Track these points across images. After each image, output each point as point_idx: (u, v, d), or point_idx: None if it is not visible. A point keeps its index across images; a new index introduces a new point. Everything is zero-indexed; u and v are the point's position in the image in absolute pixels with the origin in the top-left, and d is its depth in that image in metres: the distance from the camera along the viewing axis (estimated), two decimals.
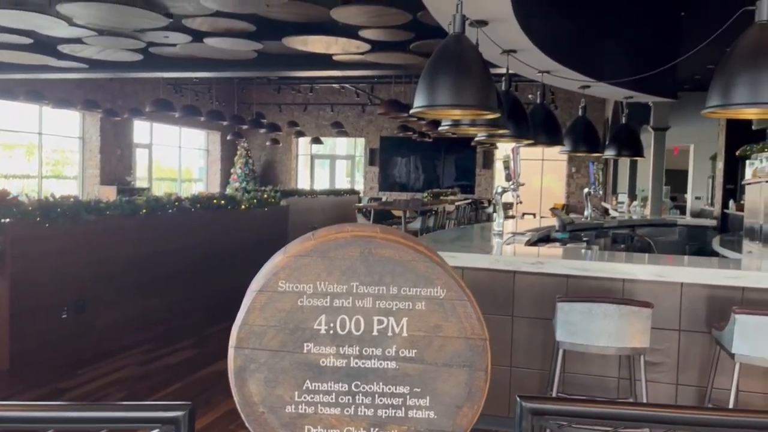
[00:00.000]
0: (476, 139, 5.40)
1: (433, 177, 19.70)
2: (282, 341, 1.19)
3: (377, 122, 19.36)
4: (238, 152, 19.21)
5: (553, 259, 3.29)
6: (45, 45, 8.23)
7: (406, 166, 19.81)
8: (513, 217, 16.52)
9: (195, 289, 5.87)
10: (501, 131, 4.67)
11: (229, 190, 18.88)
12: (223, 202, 6.31)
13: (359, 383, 1.20)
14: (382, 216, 9.76)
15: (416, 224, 9.38)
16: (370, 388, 1.19)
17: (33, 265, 4.13)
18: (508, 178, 4.72)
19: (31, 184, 14.51)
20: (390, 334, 1.18)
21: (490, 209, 17.02)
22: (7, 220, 3.95)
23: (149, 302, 5.27)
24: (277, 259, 1.33)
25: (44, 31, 7.43)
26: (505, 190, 4.72)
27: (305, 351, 1.20)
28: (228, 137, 17.09)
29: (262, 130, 15.20)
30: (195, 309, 5.80)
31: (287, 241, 5.38)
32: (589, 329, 2.75)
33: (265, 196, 7.30)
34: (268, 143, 18.27)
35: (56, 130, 14.25)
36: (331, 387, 1.20)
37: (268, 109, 18.99)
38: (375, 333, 1.18)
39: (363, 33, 7.22)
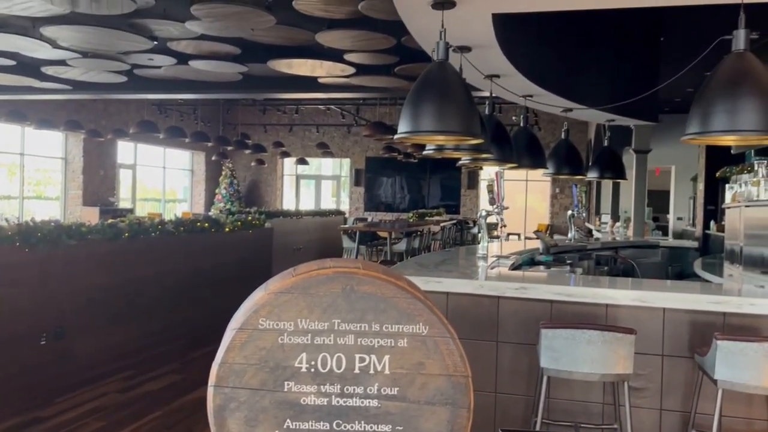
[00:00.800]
0: (460, 162, 5.44)
1: (418, 197, 19.77)
2: (262, 380, 1.18)
3: (363, 143, 19.44)
4: (223, 172, 19.16)
5: (536, 285, 3.30)
6: (28, 67, 8.19)
7: (391, 186, 19.89)
8: (497, 237, 16.60)
9: (178, 314, 5.80)
10: (485, 155, 4.71)
11: (213, 211, 18.78)
12: (207, 224, 6.27)
13: (341, 422, 1.18)
14: (368, 237, 9.74)
15: (402, 245, 9.37)
16: (352, 427, 1.18)
17: (11, 290, 4.06)
18: (492, 201, 4.75)
19: (13, 204, 14.33)
20: (372, 371, 1.17)
21: (475, 230, 17.09)
22: None
23: (131, 328, 5.19)
24: (257, 296, 1.32)
25: (28, 53, 7.40)
26: (489, 214, 4.74)
27: (286, 389, 1.19)
28: (213, 158, 17.05)
29: (248, 151, 15.19)
30: (178, 334, 5.73)
31: (271, 264, 5.38)
32: (573, 356, 2.75)
33: (250, 218, 7.26)
34: (253, 164, 18.24)
35: (39, 150, 14.13)
36: (312, 426, 1.19)
37: (253, 130, 19.00)
38: (357, 371, 1.17)
39: (348, 56, 7.28)
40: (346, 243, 9.62)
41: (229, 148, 14.46)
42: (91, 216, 14.01)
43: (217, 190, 19.30)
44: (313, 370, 1.20)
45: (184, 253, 5.98)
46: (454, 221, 14.87)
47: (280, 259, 8.47)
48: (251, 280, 7.33)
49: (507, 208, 4.79)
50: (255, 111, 18.21)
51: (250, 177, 20.25)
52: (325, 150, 16.84)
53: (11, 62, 7.90)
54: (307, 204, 21.06)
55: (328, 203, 21.37)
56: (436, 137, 3.68)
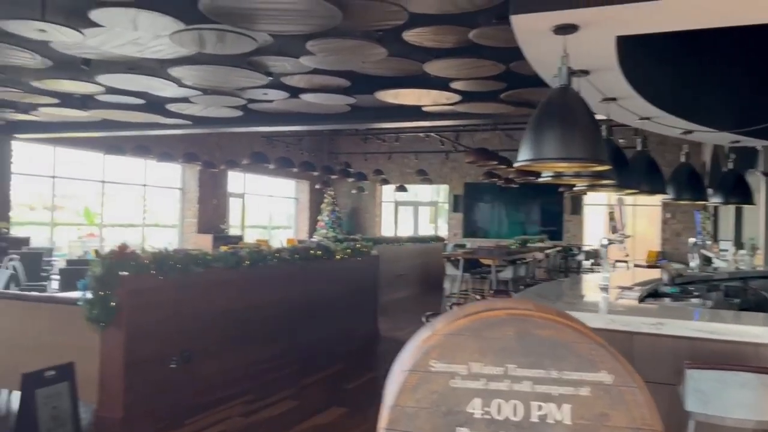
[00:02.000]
0: (576, 188, 5.25)
1: (516, 223, 19.36)
2: (435, 425, 1.15)
3: (461, 169, 19.36)
4: (325, 200, 19.68)
5: (674, 320, 3.09)
6: (155, 104, 8.82)
7: (489, 211, 19.61)
8: (614, 267, 15.85)
9: (291, 340, 5.95)
10: (605, 181, 4.52)
11: (316, 237, 19.32)
12: (319, 252, 6.42)
13: None
14: (472, 264, 9.62)
15: (507, 273, 9.16)
16: None
17: (146, 316, 4.32)
18: (613, 229, 4.54)
19: (135, 232, 15.42)
20: (551, 421, 1.11)
21: (581, 257, 16.44)
22: (125, 273, 4.17)
23: (249, 352, 5.37)
24: (424, 336, 1.29)
25: (155, 92, 7.99)
26: (611, 242, 4.52)
27: None
28: (316, 186, 17.56)
29: (351, 179, 15.53)
30: (292, 360, 5.86)
31: (378, 290, 5.39)
32: (724, 400, 2.53)
33: (358, 245, 7.37)
34: (353, 191, 18.63)
35: (158, 181, 15.16)
36: None
37: (354, 158, 19.44)
38: (535, 420, 1.12)
39: (454, 84, 7.29)
40: (450, 270, 9.54)
41: (334, 176, 14.84)
42: (205, 243, 14.80)
43: (319, 217, 19.84)
44: (487, 416, 1.15)
45: (299, 279, 6.14)
46: (559, 248, 14.37)
47: (385, 285, 8.53)
48: (359, 307, 7.38)
49: (629, 236, 4.57)
50: (356, 140, 18.64)
51: (351, 204, 20.67)
52: (423, 177, 16.92)
53: (141, 101, 8.54)
54: (405, 230, 21.17)
55: (425, 229, 21.38)
56: (559, 164, 3.58)
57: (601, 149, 3.41)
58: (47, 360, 3.99)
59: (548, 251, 11.78)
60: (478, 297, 9.89)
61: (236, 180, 16.96)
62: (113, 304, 4.05)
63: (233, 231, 16.85)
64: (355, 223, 20.68)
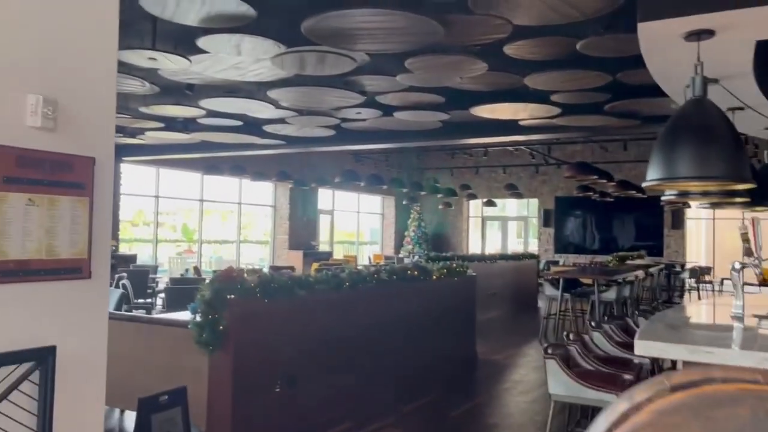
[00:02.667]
0: (698, 205, 4.84)
1: (609, 237, 18.48)
2: None
3: (552, 182, 18.75)
4: (412, 216, 19.60)
5: None
6: (252, 126, 9.04)
7: (580, 226, 18.82)
8: (710, 283, 14.79)
9: (390, 363, 5.82)
10: (738, 199, 4.12)
11: (403, 253, 19.25)
12: (416, 272, 6.28)
13: None
14: (570, 284, 9.17)
15: (610, 294, 8.65)
16: None
17: (252, 340, 4.32)
18: (748, 252, 4.11)
19: (229, 248, 15.92)
20: None
21: (684, 275, 15.41)
22: (232, 296, 4.18)
23: (348, 376, 5.28)
24: (622, 408, 1.08)
25: (253, 114, 8.17)
26: (744, 266, 4.10)
27: None
28: (404, 202, 17.51)
29: (439, 195, 15.36)
30: (390, 384, 5.73)
31: (475, 312, 5.11)
32: None
33: (454, 265, 7.17)
34: (440, 207, 18.44)
35: (250, 199, 15.61)
36: None
37: (440, 173, 19.27)
38: None
39: (555, 97, 6.99)
40: (548, 290, 9.13)
41: (422, 193, 14.72)
42: (296, 259, 15.06)
43: (406, 233, 19.77)
44: None
45: (396, 301, 6.02)
46: (661, 266, 13.49)
47: (478, 304, 8.26)
48: (456, 329, 7.15)
49: (767, 259, 4.12)
50: (443, 155, 18.47)
51: (437, 219, 20.46)
52: (513, 191, 16.47)
53: (238, 122, 8.77)
54: (492, 245, 20.73)
55: (513, 244, 20.84)
56: (693, 183, 3.26)
57: (743, 166, 3.07)
58: (158, 381, 4.05)
59: (651, 270, 11.08)
60: (578, 317, 9.42)
61: (325, 197, 17.19)
62: (221, 327, 4.06)
63: (322, 247, 17.06)
64: (441, 239, 20.45)
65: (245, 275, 4.36)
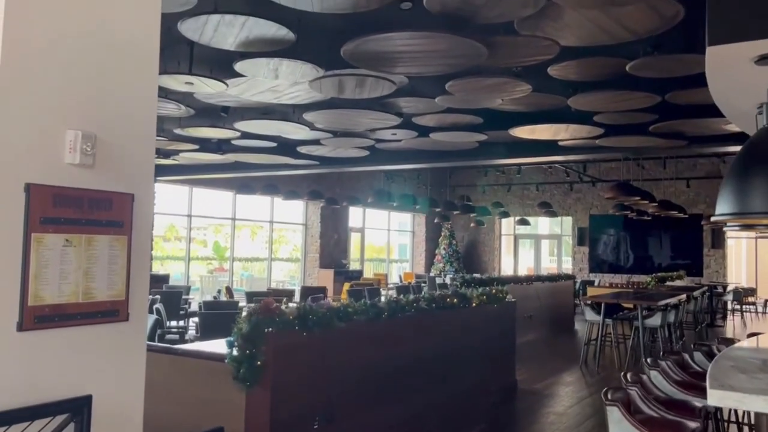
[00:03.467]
0: (727, 227, 4.55)
1: (644, 255, 17.96)
2: None
3: (586, 200, 18.36)
4: (442, 233, 19.35)
5: None
6: (286, 147, 8.97)
7: (615, 244, 18.33)
8: (753, 305, 14.17)
9: (429, 395, 5.60)
10: None
11: (433, 271, 18.98)
12: (455, 300, 6.06)
13: None
14: (612, 309, 8.83)
15: (655, 320, 8.30)
16: None
17: (290, 374, 4.16)
18: None
19: (261, 265, 15.88)
20: None
21: (728, 297, 14.85)
22: (270, 330, 4.03)
23: (387, 410, 5.08)
24: None
25: (287, 135, 8.09)
26: None
27: None
28: (435, 220, 17.29)
29: (473, 214, 15.10)
30: (431, 417, 5.51)
31: (515, 341, 4.85)
32: None
33: (493, 291, 6.93)
34: (472, 225, 18.16)
35: (282, 217, 15.57)
36: None
37: (472, 190, 19.02)
38: None
39: (598, 117, 6.75)
40: (590, 315, 8.81)
41: (456, 212, 14.49)
42: (326, 277, 14.93)
43: (436, 251, 19.51)
44: None
45: (435, 329, 5.81)
46: (704, 288, 12.95)
47: (521, 332, 8.00)
48: (496, 357, 6.90)
49: None
50: (475, 172, 18.24)
51: (468, 237, 20.18)
52: (547, 209, 16.14)
53: (273, 144, 8.71)
54: (524, 263, 20.36)
55: (546, 262, 20.44)
56: None
57: None
58: (193, 416, 3.91)
59: (695, 293, 10.64)
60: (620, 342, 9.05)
61: (356, 215, 17.07)
62: (259, 363, 3.91)
63: (353, 264, 16.91)
64: (473, 257, 20.15)
65: (283, 307, 4.21)
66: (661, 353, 5.34)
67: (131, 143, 2.47)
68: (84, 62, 2.29)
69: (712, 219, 3.02)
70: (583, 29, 4.25)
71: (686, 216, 14.37)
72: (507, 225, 20.17)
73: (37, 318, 2.18)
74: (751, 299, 16.05)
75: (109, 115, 2.38)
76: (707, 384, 2.83)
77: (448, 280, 15.37)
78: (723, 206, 2.94)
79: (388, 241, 19.55)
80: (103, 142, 2.35)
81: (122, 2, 2.43)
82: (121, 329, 2.46)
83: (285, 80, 5.45)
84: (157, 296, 8.06)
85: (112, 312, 2.43)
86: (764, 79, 3.06)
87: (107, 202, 2.39)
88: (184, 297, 9.53)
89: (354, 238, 17.36)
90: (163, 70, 5.16)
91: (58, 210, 2.25)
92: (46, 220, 2.20)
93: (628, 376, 3.64)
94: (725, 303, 15.07)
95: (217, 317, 6.58)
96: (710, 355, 4.75)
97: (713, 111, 4.79)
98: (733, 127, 6.21)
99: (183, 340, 6.84)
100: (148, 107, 2.53)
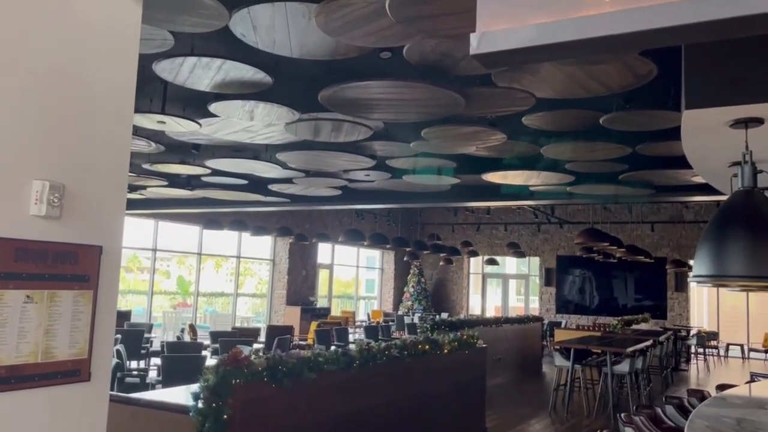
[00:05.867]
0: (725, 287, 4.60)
1: (609, 296, 18.17)
2: None
3: (553, 241, 18.58)
4: (411, 271, 19.30)
5: None
6: (258, 184, 8.86)
7: (580, 284, 18.52)
8: (715, 348, 14.34)
9: None
10: None
11: (402, 309, 18.84)
12: (427, 347, 5.97)
13: None
14: (581, 354, 8.83)
15: (624, 366, 8.31)
16: None
17: (258, 428, 4.00)
18: None
19: (225, 300, 15.54)
20: None
21: (692, 341, 15.03)
22: (238, 381, 3.88)
23: None
24: None
25: (259, 174, 7.99)
26: None
27: None
28: (404, 258, 17.24)
29: (442, 254, 15.09)
30: None
31: (485, 387, 4.77)
32: None
33: (464, 337, 6.87)
34: (441, 263, 18.16)
35: (250, 252, 15.32)
36: None
37: (441, 229, 19.08)
38: None
39: (570, 165, 6.85)
40: (559, 360, 8.78)
41: (426, 252, 14.47)
42: (293, 315, 14.65)
43: (405, 289, 19.42)
44: None
45: (407, 377, 5.69)
46: (669, 333, 13.04)
47: (492, 376, 7.91)
48: (466, 402, 6.80)
49: None
50: (444, 211, 18.33)
51: (437, 275, 20.17)
52: (515, 249, 16.25)
53: (243, 181, 8.59)
54: (492, 302, 20.39)
55: (513, 302, 20.52)
56: (749, 283, 3.03)
57: None
58: None
59: (661, 338, 10.73)
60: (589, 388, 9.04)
61: (324, 250, 16.92)
62: (225, 416, 3.75)
63: (320, 301, 16.67)
64: (441, 295, 20.11)
65: (252, 358, 4.06)
66: (633, 406, 5.31)
67: (101, 193, 2.37)
68: (55, 111, 2.20)
69: (690, 280, 3.03)
70: (559, 83, 4.31)
71: (652, 260, 14.62)
72: (475, 264, 20.24)
73: None
74: (713, 342, 16.29)
75: (79, 165, 2.28)
76: None
77: (416, 319, 15.25)
78: (700, 268, 2.95)
79: (357, 277, 19.40)
80: (72, 193, 2.25)
81: (98, 52, 2.36)
82: (82, 390, 2.32)
83: (260, 122, 5.40)
84: (118, 336, 7.75)
85: (73, 372, 2.29)
86: (738, 141, 3.12)
87: (73, 256, 2.28)
88: (146, 335, 9.21)
89: (322, 275, 17.17)
90: (136, 109, 5.05)
91: (19, 265, 2.13)
92: (6, 275, 2.08)
93: None
94: (689, 347, 15.25)
95: (181, 360, 6.34)
96: (682, 409, 4.74)
97: (681, 162, 4.90)
98: (699, 179, 6.37)
99: (144, 384, 6.56)
100: (121, 156, 2.44)
